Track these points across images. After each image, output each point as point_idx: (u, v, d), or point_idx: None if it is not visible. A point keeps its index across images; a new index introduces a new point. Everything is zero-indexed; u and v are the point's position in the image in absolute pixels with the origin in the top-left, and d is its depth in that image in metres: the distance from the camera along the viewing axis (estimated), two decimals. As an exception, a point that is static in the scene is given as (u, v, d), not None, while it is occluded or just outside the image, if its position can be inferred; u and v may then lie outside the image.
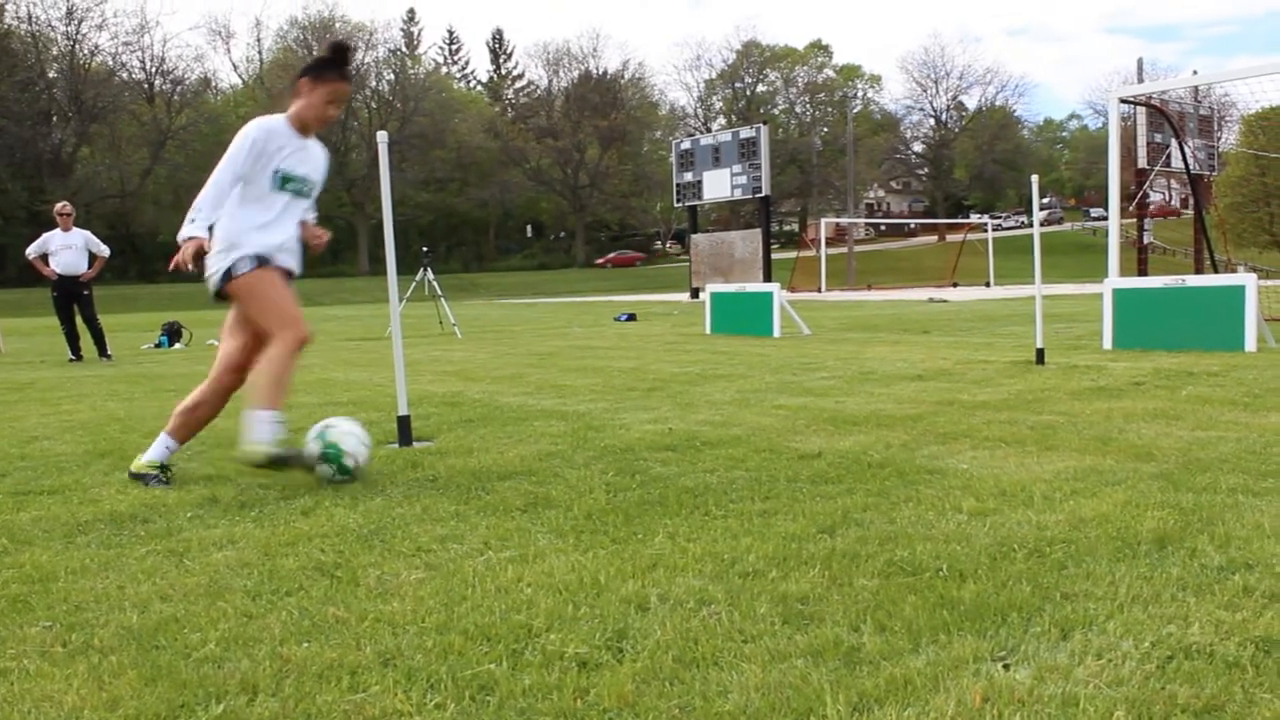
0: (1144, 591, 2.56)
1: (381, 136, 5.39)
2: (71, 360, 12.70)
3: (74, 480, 4.56)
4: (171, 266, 4.44)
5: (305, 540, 3.35)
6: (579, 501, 3.76)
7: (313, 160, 4.80)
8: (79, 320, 13.06)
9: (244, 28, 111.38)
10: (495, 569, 2.94)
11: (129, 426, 6.19)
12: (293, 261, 4.76)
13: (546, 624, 2.46)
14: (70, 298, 12.94)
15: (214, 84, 79.23)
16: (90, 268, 12.98)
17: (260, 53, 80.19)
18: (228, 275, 4.57)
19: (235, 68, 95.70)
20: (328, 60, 4.73)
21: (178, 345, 15.82)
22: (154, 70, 71.90)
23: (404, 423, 5.25)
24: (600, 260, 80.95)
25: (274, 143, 4.58)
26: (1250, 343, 9.12)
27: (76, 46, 67.49)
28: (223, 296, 4.67)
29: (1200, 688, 1.97)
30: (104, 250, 13.11)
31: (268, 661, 2.28)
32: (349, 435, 4.48)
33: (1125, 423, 5.28)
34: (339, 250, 76.52)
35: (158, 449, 4.63)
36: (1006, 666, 2.11)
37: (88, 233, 13.03)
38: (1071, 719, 1.86)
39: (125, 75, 70.89)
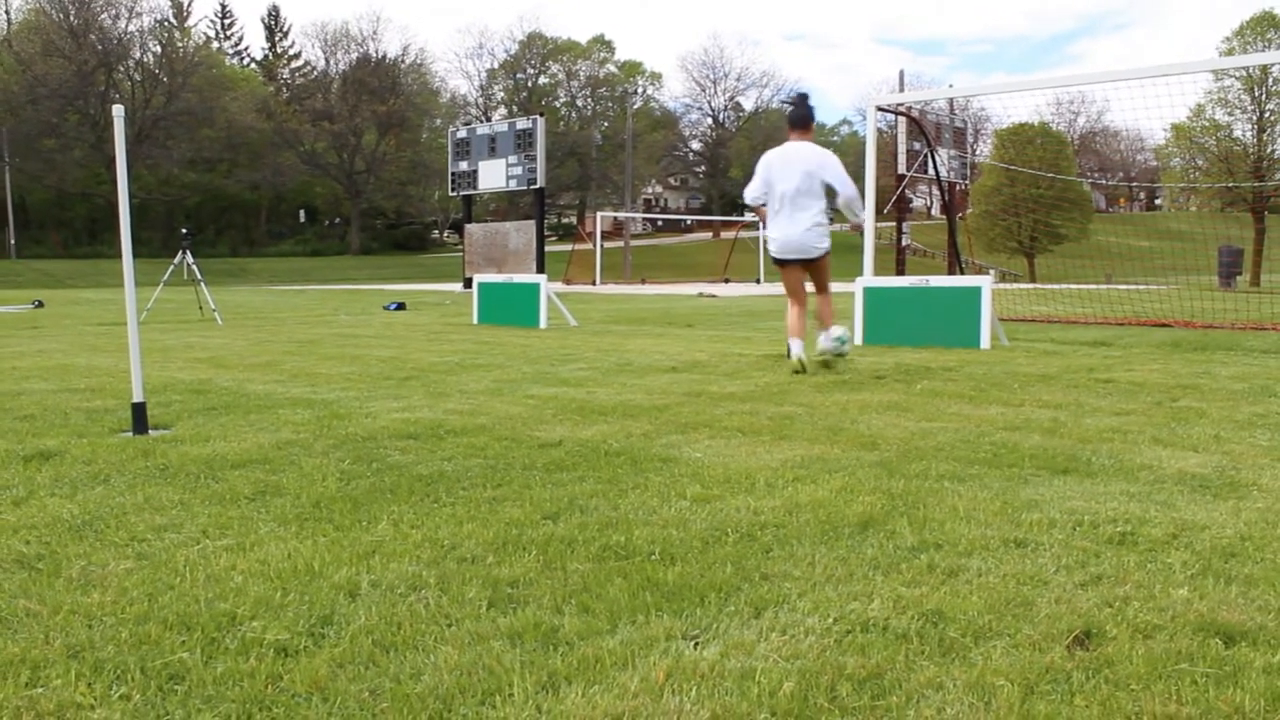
0: (838, 571, 2.71)
1: (117, 111, 5.14)
2: None
3: None
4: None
5: (10, 532, 3.18)
6: (309, 489, 3.70)
7: None
8: None
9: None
10: (209, 557, 2.87)
11: None
12: None
13: (252, 611, 2.42)
14: None
15: (-48, 44, 73.61)
16: None
17: (8, 12, 74.99)
18: (828, 251, 8.19)
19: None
20: None
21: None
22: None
23: (139, 410, 5.04)
24: None
25: None
26: (985, 340, 9.71)
27: None
28: (813, 260, 8.21)
29: (868, 658, 2.11)
30: None
31: (-59, 659, 2.16)
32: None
33: (859, 414, 5.55)
34: (96, 230, 72.62)
35: (797, 346, 7.95)
36: (696, 644, 2.21)
37: None
38: (745, 691, 1.96)
39: None
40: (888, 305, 10.46)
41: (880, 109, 16.14)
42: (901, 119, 21.66)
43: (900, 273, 25.12)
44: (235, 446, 4.62)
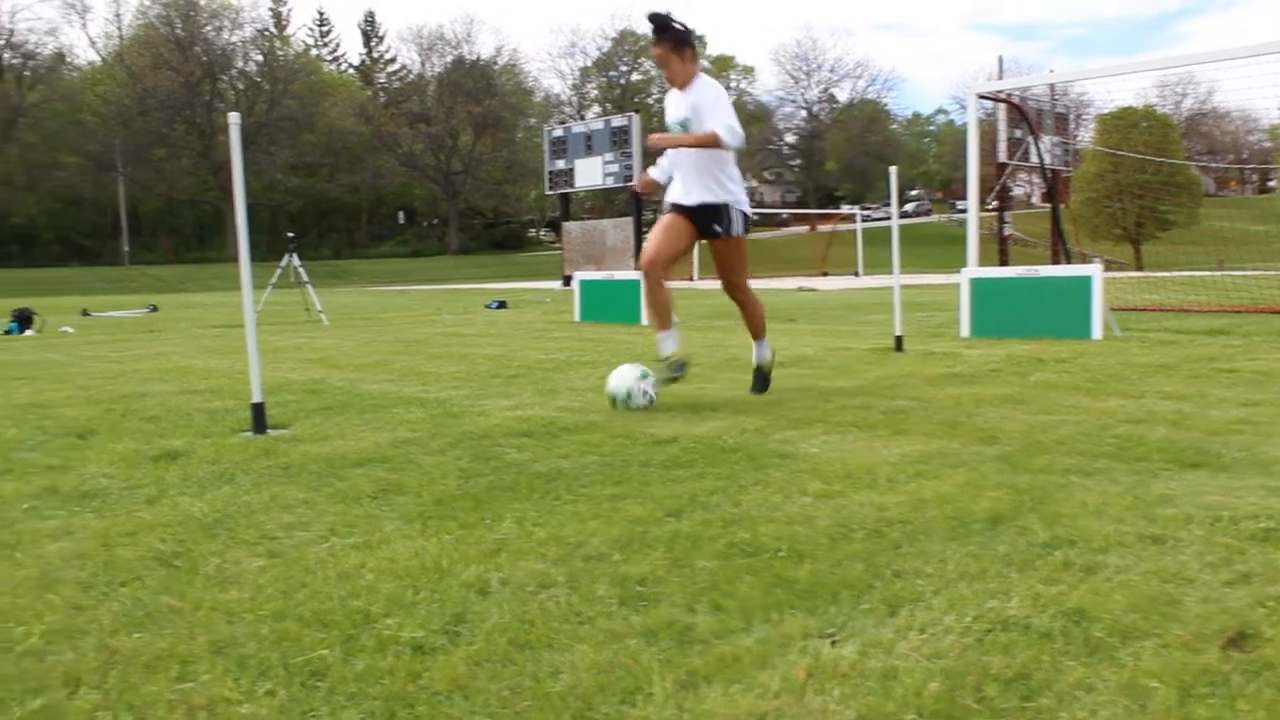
0: (971, 568, 2.66)
1: (233, 118, 5.25)
2: (-88, 347, 12.13)
3: (-97, 471, 4.36)
4: None
5: (146, 530, 3.27)
6: (430, 488, 3.74)
7: (674, 105, 6.00)
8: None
9: (102, 1, 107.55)
10: (338, 555, 2.91)
11: (-32, 415, 5.95)
12: (679, 194, 6.05)
13: (385, 609, 2.44)
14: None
15: (69, 60, 76.33)
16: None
17: (120, 29, 77.52)
18: None
19: (93, 43, 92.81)
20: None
21: (29, 332, 15.22)
22: (2, 43, 68.92)
23: (258, 410, 5.15)
24: None
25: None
26: (1097, 331, 9.49)
27: (-85, 16, 64.22)
28: None
29: (1012, 658, 2.06)
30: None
31: (94, 653, 2.22)
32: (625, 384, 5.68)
33: (974, 407, 5.45)
34: (205, 235, 74.63)
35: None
36: (834, 643, 2.18)
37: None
38: (889, 691, 1.92)
39: (-31, 48, 67.77)
40: (995, 296, 10.28)
41: (981, 97, 15.89)
42: (1001, 107, 21.28)
43: (1003, 263, 24.65)
44: (354, 445, 4.69)
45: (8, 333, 15.13)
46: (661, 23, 5.77)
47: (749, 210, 6.13)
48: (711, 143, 5.68)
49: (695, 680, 2.00)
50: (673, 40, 5.78)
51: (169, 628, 2.37)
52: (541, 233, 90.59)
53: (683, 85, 5.87)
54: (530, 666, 2.09)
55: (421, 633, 2.28)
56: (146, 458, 4.49)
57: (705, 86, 5.82)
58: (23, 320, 15.58)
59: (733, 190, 5.98)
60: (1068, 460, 4.01)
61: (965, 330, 10.29)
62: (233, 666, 2.13)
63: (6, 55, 69.30)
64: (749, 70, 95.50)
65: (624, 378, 5.70)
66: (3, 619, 2.46)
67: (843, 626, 2.27)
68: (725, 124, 5.64)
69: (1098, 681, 1.95)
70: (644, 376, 5.71)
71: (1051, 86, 26.46)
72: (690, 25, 5.91)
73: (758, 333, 6.37)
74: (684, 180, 5.98)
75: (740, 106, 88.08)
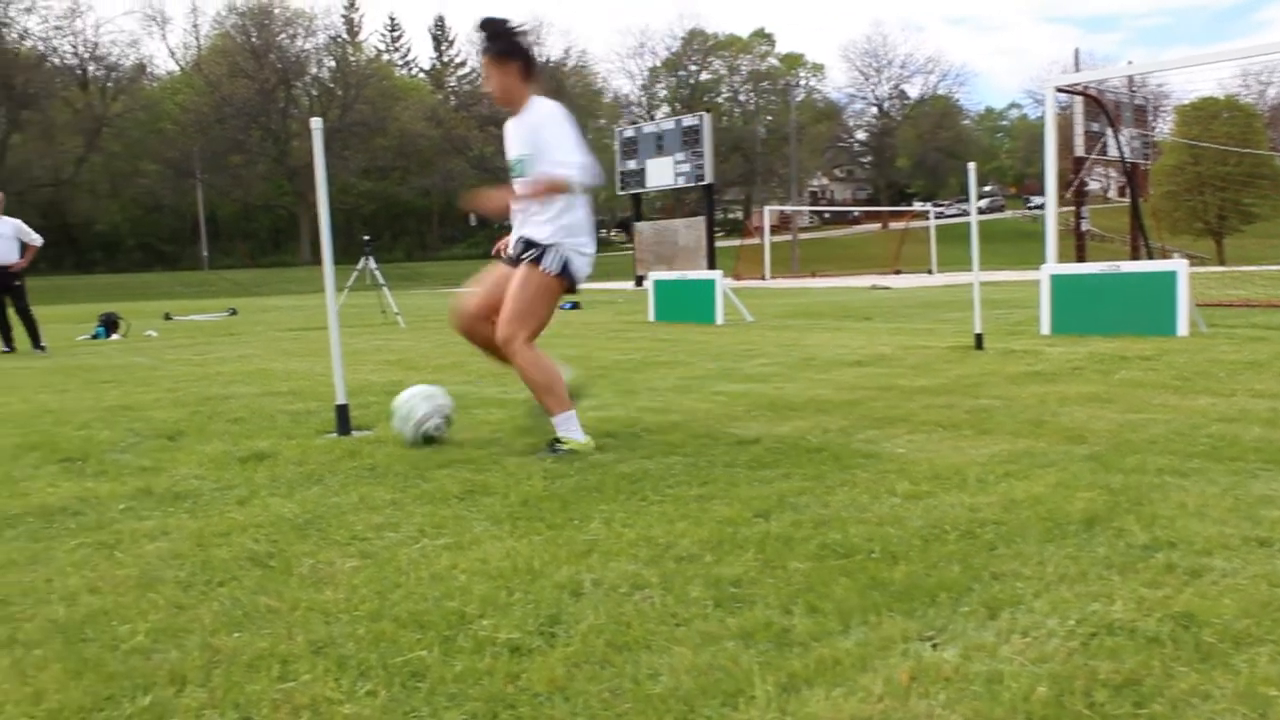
0: (1071, 570, 2.61)
1: (315, 123, 5.32)
2: (4, 352, 12.44)
3: (3, 473, 4.47)
4: None
5: (239, 530, 3.31)
6: (516, 488, 3.75)
7: (511, 138, 4.81)
8: (11, 312, 12.73)
9: (180, 13, 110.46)
10: (430, 556, 2.93)
11: (61, 419, 6.09)
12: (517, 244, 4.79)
13: (480, 610, 2.45)
14: (2, 288, 12.59)
15: (150, 70, 78.00)
16: (21, 257, 12.61)
17: (198, 39, 79.03)
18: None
19: (172, 54, 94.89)
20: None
21: (115, 336, 15.57)
22: (87, 56, 70.61)
23: (342, 411, 5.21)
24: None
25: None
26: (1182, 327, 9.28)
27: (4, 30, 65.73)
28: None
29: (1121, 663, 2.01)
30: (36, 240, 12.78)
31: (197, 652, 2.26)
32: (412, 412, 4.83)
33: (1059, 406, 5.36)
34: (280, 240, 75.79)
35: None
36: (934, 646, 2.14)
37: (18, 221, 12.66)
38: (996, 696, 1.89)
39: (57, 60, 69.45)
40: (1076, 293, 10.09)
41: (1060, 90, 15.61)
42: (1078, 100, 20.90)
43: (1080, 259, 24.22)
44: (437, 447, 4.71)
45: (95, 337, 15.49)
46: (491, 28, 4.65)
47: (581, 271, 4.75)
48: (560, 189, 4.53)
49: (796, 683, 1.98)
50: (495, 50, 4.62)
51: (268, 627, 2.40)
52: (612, 233, 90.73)
53: (515, 108, 4.72)
54: (629, 668, 2.08)
55: (518, 634, 2.29)
56: (235, 459, 4.57)
57: (542, 114, 4.66)
58: (109, 325, 15.95)
59: (569, 235, 4.65)
60: (1161, 460, 3.92)
61: (1046, 327, 10.13)
62: (333, 666, 2.15)
63: (91, 68, 70.98)
64: (819, 68, 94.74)
65: (406, 419, 4.83)
66: (109, 617, 2.51)
67: (943, 629, 2.23)
68: (574, 161, 4.54)
69: (1213, 689, 1.90)
70: (430, 416, 4.82)
71: (1130, 78, 25.95)
72: (528, 39, 4.87)
73: (544, 403, 4.77)
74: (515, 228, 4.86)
75: (810, 104, 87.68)
